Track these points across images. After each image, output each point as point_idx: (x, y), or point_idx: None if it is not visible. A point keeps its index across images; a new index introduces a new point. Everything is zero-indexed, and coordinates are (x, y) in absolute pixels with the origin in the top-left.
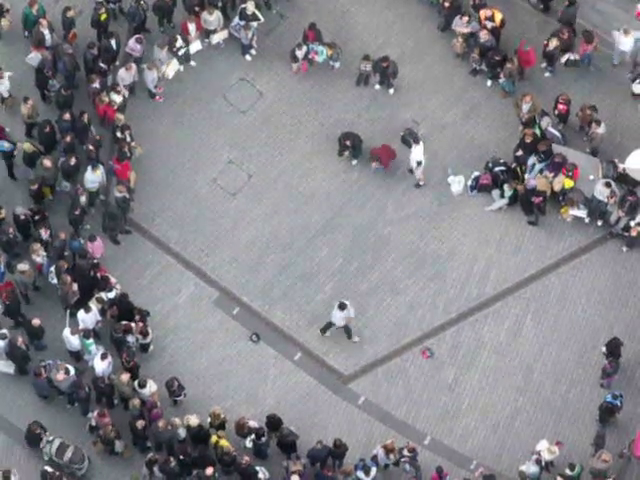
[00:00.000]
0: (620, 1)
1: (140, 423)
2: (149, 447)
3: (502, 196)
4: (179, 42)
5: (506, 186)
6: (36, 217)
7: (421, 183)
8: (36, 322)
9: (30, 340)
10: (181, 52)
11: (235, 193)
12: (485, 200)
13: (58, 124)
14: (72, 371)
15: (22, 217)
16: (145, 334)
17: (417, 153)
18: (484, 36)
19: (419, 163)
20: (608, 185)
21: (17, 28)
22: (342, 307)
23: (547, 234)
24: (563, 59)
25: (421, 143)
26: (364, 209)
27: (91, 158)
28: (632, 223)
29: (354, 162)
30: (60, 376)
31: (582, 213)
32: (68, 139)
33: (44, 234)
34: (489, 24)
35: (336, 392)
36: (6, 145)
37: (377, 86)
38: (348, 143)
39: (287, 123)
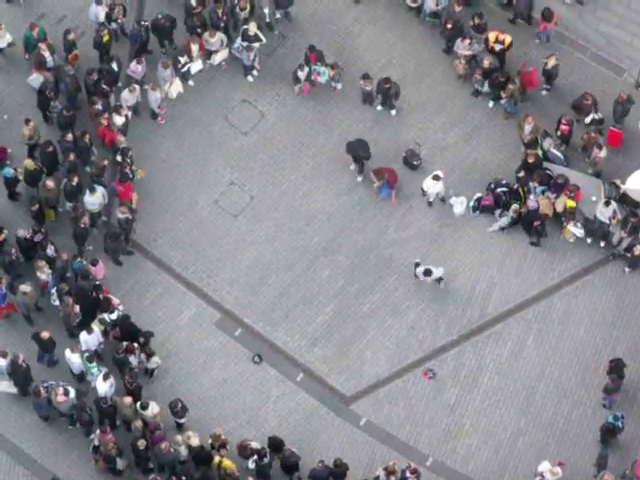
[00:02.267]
0: (623, 23)
1: (141, 442)
2: (151, 468)
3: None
4: (184, 60)
5: (512, 209)
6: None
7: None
8: (45, 335)
9: (41, 353)
10: (185, 69)
11: (237, 214)
12: (487, 221)
13: (60, 145)
14: (72, 392)
15: (25, 238)
16: (150, 354)
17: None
18: (487, 62)
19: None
20: (608, 204)
21: (18, 50)
22: (427, 274)
23: (549, 255)
24: (587, 119)
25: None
26: (366, 230)
27: (94, 181)
28: (638, 239)
29: (359, 178)
30: (60, 398)
31: (580, 232)
32: (71, 159)
33: (49, 250)
34: (497, 46)
35: (338, 413)
36: (12, 172)
37: (379, 107)
38: (359, 153)
39: (289, 144)
